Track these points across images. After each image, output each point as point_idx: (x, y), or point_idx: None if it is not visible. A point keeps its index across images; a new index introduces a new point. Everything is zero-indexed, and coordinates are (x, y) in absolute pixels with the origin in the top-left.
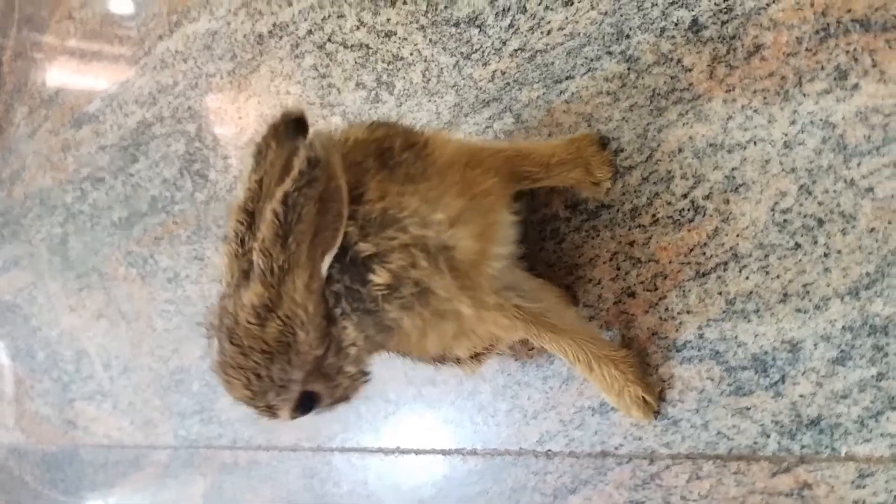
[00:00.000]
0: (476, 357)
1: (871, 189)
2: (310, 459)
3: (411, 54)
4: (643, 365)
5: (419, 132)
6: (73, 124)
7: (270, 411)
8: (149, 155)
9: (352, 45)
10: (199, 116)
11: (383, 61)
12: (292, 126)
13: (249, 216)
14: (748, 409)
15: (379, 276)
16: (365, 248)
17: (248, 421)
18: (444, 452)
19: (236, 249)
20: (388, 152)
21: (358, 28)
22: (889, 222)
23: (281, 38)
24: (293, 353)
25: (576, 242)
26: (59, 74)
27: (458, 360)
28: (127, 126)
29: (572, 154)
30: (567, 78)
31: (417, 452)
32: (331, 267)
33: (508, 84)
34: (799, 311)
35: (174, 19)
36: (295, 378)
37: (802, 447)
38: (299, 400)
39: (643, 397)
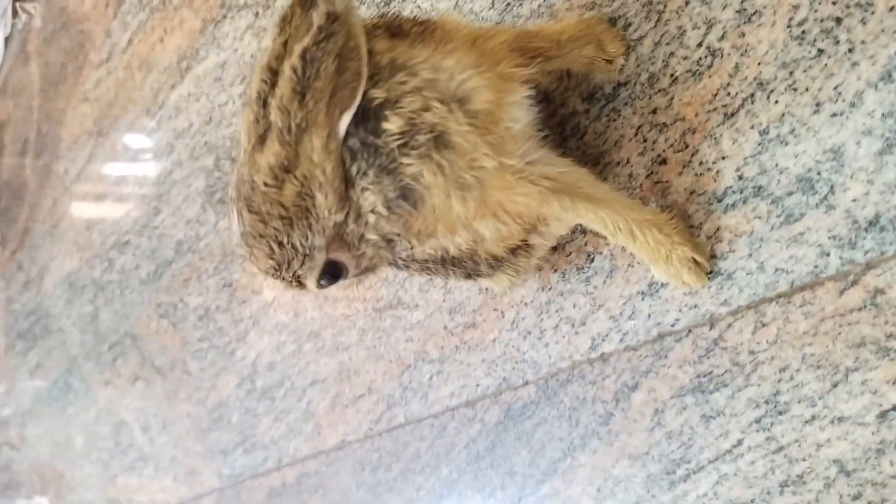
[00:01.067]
0: (514, 254)
1: None
2: (357, 452)
3: (411, 12)
4: (688, 228)
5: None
6: (96, 199)
7: (297, 281)
8: (170, 202)
9: None
10: (215, 148)
11: None
12: None
13: (274, 75)
14: (802, 234)
15: (392, 123)
16: (375, 94)
17: (291, 435)
18: (494, 394)
19: (257, 112)
20: (398, 27)
21: (359, 7)
22: None
23: None
24: (313, 218)
25: (598, 131)
26: (80, 157)
27: (496, 261)
28: (147, 182)
29: (582, 31)
30: None
31: (467, 405)
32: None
33: (509, 4)
34: (835, 115)
35: (184, 65)
36: (317, 245)
37: (866, 253)
38: (324, 269)
39: (693, 258)
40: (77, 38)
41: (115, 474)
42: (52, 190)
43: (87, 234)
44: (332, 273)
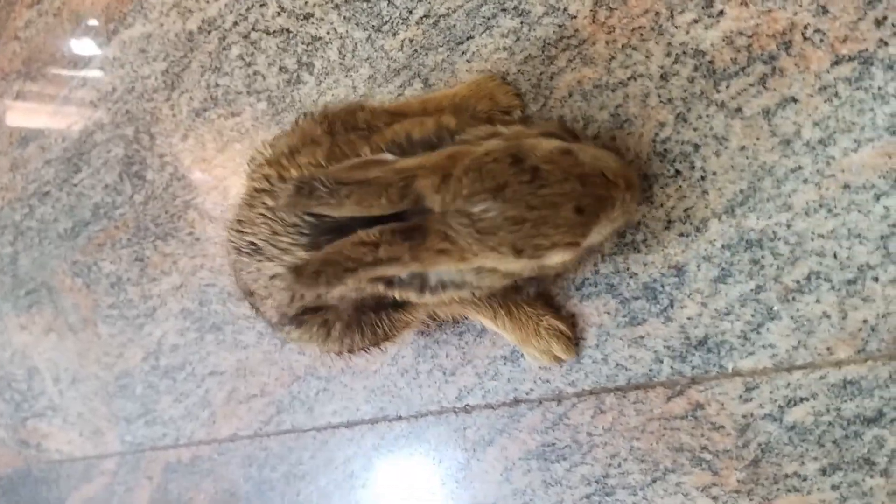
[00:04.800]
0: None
1: (739, 109)
2: (247, 447)
3: (328, 33)
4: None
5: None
6: (20, 143)
7: None
8: (91, 163)
9: (274, 31)
10: (136, 119)
11: (303, 43)
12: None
13: None
14: (642, 337)
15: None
16: None
17: (189, 418)
18: (371, 421)
19: None
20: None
21: (279, 14)
22: (757, 139)
23: (209, 32)
24: None
25: None
26: (7, 96)
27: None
28: (70, 137)
29: (474, 90)
30: (468, 38)
31: (348, 425)
32: None
33: (416, 51)
34: (682, 235)
35: (111, 27)
36: None
37: (693, 368)
38: None
39: (560, 329)
40: None
41: (25, 417)
42: None
43: (10, 174)
44: None
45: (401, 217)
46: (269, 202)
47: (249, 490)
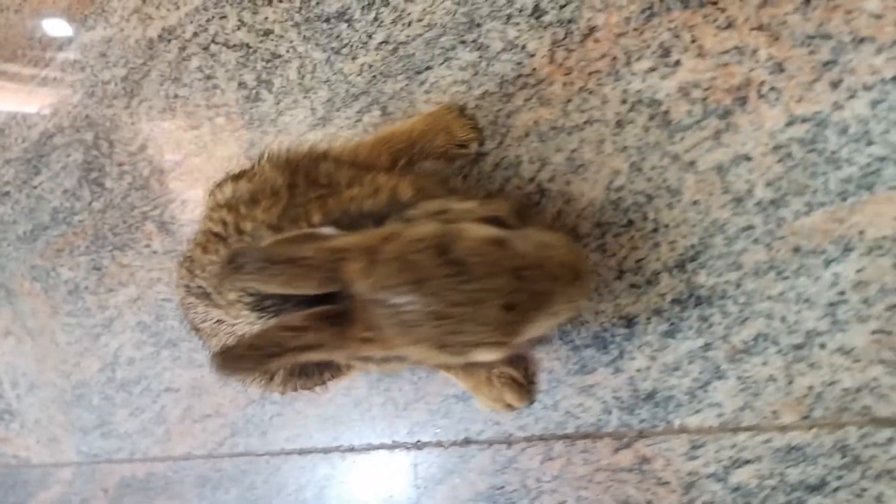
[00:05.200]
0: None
1: (693, 163)
2: (202, 467)
3: (287, 51)
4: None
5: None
6: None
7: None
8: (50, 166)
9: (234, 45)
10: (95, 125)
11: (262, 60)
12: None
13: None
14: (592, 386)
15: None
16: None
17: (144, 433)
18: (324, 451)
19: None
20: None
21: (239, 28)
22: (710, 194)
23: (169, 41)
24: None
25: None
26: None
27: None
28: (30, 138)
29: (430, 124)
30: (427, 68)
31: (300, 453)
32: None
33: (375, 77)
34: (633, 286)
35: (72, 28)
36: None
37: (641, 421)
38: None
39: (512, 376)
40: None
41: None
42: None
43: None
44: None
45: (335, 295)
46: (222, 251)
47: None
